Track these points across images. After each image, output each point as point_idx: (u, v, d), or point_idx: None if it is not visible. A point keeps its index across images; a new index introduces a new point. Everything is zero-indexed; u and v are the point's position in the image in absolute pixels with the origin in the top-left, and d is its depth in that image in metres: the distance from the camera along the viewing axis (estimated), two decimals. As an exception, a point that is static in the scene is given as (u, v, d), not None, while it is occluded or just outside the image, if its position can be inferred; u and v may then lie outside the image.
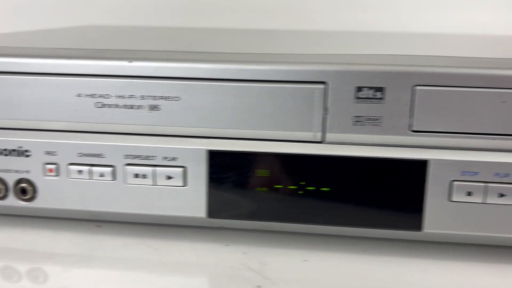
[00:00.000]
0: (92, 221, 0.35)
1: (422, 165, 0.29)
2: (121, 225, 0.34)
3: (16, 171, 0.31)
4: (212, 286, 0.28)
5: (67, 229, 0.34)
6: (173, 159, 0.30)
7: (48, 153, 0.31)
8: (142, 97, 0.30)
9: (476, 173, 0.29)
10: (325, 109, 0.29)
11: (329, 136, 0.29)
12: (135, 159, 0.30)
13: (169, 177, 0.30)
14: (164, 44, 0.41)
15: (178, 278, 0.29)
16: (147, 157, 0.30)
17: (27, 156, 0.31)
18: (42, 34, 0.45)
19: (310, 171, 0.29)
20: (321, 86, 0.28)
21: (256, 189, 0.30)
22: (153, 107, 0.30)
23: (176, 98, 0.30)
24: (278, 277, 0.29)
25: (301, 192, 0.30)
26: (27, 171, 0.31)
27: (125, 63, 0.29)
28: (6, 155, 0.31)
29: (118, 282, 0.28)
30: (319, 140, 0.29)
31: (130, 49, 0.34)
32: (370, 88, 0.28)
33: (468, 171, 0.29)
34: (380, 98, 0.28)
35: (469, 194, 0.29)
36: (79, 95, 0.30)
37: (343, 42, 0.43)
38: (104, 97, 0.30)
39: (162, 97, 0.30)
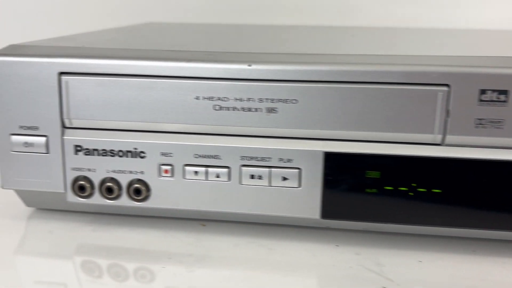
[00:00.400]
0: (196, 219, 0.35)
1: (542, 167, 0.29)
2: (225, 224, 0.35)
3: (130, 172, 0.32)
4: (338, 287, 0.28)
5: (174, 228, 0.34)
6: (289, 160, 0.31)
7: (163, 154, 0.31)
8: (260, 100, 0.30)
9: None
10: (447, 112, 0.29)
11: (449, 138, 0.29)
12: (251, 161, 0.31)
13: (285, 178, 0.31)
14: (260, 44, 0.41)
15: (300, 278, 0.29)
16: (263, 159, 0.31)
17: (142, 157, 0.32)
18: (117, 34, 0.46)
19: (430, 173, 0.30)
20: (445, 88, 0.29)
21: (371, 191, 0.30)
22: (271, 110, 0.30)
23: (294, 101, 0.30)
24: (399, 278, 0.29)
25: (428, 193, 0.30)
26: (141, 172, 0.32)
27: (244, 67, 0.30)
28: (121, 156, 0.32)
29: (242, 283, 0.29)
30: (438, 142, 0.30)
31: (233, 51, 0.35)
32: (494, 91, 0.28)
33: None
34: (504, 101, 0.28)
35: None
36: (197, 98, 0.30)
37: (454, 42, 0.43)
38: (222, 100, 0.30)
39: (280, 100, 0.30)
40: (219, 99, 0.30)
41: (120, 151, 0.32)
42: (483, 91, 0.28)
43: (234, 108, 0.30)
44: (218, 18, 0.70)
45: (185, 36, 0.45)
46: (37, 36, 0.42)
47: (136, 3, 0.71)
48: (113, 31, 0.47)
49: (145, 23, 0.62)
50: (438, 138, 0.29)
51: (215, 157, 0.31)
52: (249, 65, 0.30)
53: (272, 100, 0.30)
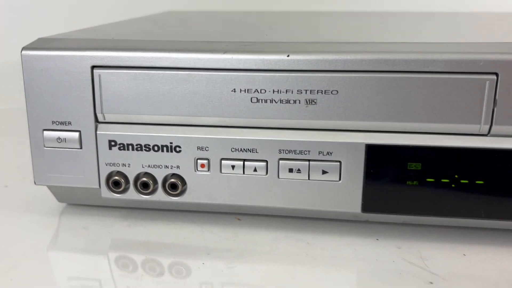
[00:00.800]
0: (232, 213, 0.35)
1: None
2: (261, 218, 0.34)
3: (166, 167, 0.31)
4: (384, 282, 0.28)
5: (210, 222, 0.34)
6: (329, 153, 0.30)
7: (200, 148, 0.31)
8: (299, 92, 0.29)
9: None
10: (495, 101, 0.28)
11: (496, 129, 0.28)
12: (289, 154, 0.30)
13: (324, 172, 0.30)
14: (295, 33, 0.39)
15: (342, 273, 0.28)
16: (301, 152, 0.30)
17: (178, 151, 0.31)
18: (143, 24, 0.45)
19: (476, 164, 0.29)
20: (493, 77, 0.28)
21: (415, 183, 0.30)
22: (310, 101, 0.29)
23: (334, 92, 0.29)
24: (444, 273, 0.28)
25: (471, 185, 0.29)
26: (177, 167, 0.31)
27: (283, 57, 0.29)
28: (156, 151, 0.31)
29: (285, 278, 0.28)
30: (485, 133, 0.29)
31: (270, 41, 0.34)
32: (544, 78, 0.27)
33: None
34: (555, 89, 0.27)
35: None
36: (234, 91, 0.30)
37: (494, 27, 0.41)
38: (259, 92, 0.29)
39: (319, 91, 0.29)
40: (256, 91, 0.29)
41: (155, 145, 0.31)
42: (532, 79, 0.27)
43: (272, 100, 0.30)
44: (239, 5, 0.69)
45: (214, 25, 0.44)
46: (54, 28, 0.41)
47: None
48: (137, 21, 0.47)
49: (167, 12, 0.61)
50: (484, 128, 0.28)
51: (252, 150, 0.30)
52: (288, 56, 0.29)
53: (311, 91, 0.29)
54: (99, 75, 0.31)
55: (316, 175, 0.30)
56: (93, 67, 0.31)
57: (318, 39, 0.34)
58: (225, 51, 0.30)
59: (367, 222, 0.33)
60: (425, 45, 0.29)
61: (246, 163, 0.31)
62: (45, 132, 0.32)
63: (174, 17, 0.52)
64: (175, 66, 0.30)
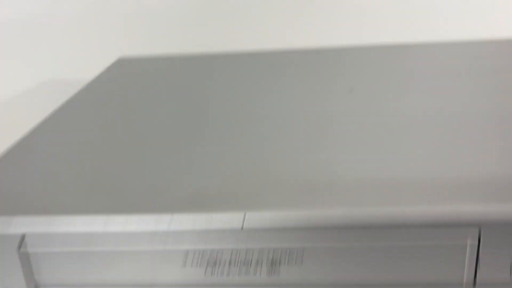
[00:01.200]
0: None
1: None
2: None
3: None
4: None
5: None
6: (300, 319, 0.27)
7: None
8: (260, 261, 0.25)
9: None
10: (477, 257, 0.25)
11: (480, 280, 0.26)
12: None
13: (296, 337, 0.27)
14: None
15: None
16: (269, 319, 0.27)
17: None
18: (76, 132, 0.39)
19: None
20: (475, 229, 0.24)
21: None
22: (273, 269, 0.26)
23: (298, 258, 0.25)
24: None
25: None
26: None
27: (239, 225, 0.25)
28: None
29: None
30: (470, 285, 0.26)
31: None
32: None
33: None
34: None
35: None
36: (184, 265, 0.26)
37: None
38: (214, 265, 0.26)
39: (282, 259, 0.25)
40: (211, 254, 0.26)
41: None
42: (517, 232, 0.24)
43: (229, 273, 0.26)
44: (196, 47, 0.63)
45: (159, 137, 0.36)
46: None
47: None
48: (69, 121, 0.40)
49: (118, 62, 0.56)
50: (468, 281, 0.25)
51: (214, 322, 0.27)
52: (242, 228, 0.25)
53: (273, 260, 0.25)
54: (28, 253, 0.27)
55: None
56: (20, 243, 0.26)
57: (275, 187, 0.28)
58: (172, 213, 0.26)
59: None
60: (397, 197, 0.25)
61: (210, 335, 0.27)
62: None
63: (119, 91, 0.46)
64: (114, 234, 0.26)
